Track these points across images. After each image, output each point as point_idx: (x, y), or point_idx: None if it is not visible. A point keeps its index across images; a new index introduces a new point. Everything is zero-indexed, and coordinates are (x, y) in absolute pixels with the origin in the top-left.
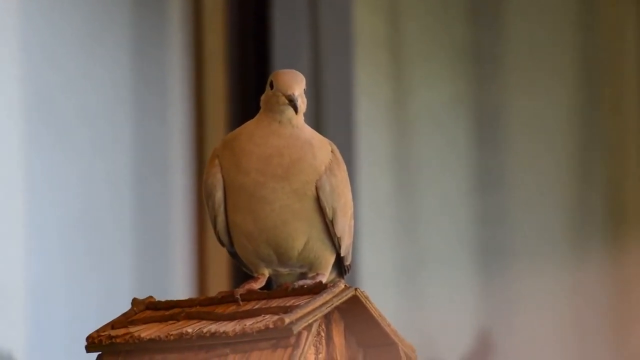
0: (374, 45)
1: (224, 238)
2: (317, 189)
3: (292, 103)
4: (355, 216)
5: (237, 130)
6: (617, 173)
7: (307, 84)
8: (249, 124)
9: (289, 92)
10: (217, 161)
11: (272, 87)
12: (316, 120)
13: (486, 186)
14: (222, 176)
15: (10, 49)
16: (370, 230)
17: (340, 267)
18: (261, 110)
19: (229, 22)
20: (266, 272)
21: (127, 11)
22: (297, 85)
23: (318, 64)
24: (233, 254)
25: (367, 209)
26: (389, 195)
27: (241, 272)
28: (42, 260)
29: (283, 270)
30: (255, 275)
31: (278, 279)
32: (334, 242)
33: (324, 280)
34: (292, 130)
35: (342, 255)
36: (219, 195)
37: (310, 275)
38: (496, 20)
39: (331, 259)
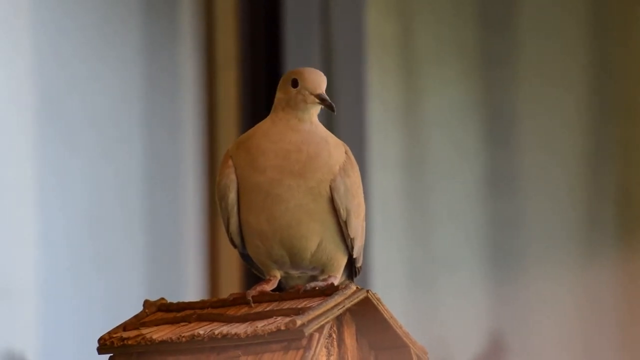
0: (385, 49)
1: (237, 239)
2: (331, 189)
3: (326, 102)
4: (367, 219)
5: (251, 130)
6: (628, 177)
7: None
8: (264, 123)
9: (319, 91)
10: (230, 162)
11: (294, 85)
12: (328, 123)
13: (497, 189)
14: (236, 176)
15: (21, 52)
16: (382, 233)
17: (351, 269)
18: (277, 109)
19: (241, 25)
20: (278, 274)
21: (138, 14)
22: (324, 84)
23: (330, 67)
24: (245, 256)
25: (378, 211)
26: (400, 198)
27: (252, 274)
28: (53, 262)
29: (295, 272)
30: (267, 277)
31: (289, 282)
32: (347, 244)
33: (336, 283)
34: (310, 127)
35: (354, 256)
36: (232, 196)
37: (321, 277)
38: (507, 24)
39: (343, 261)
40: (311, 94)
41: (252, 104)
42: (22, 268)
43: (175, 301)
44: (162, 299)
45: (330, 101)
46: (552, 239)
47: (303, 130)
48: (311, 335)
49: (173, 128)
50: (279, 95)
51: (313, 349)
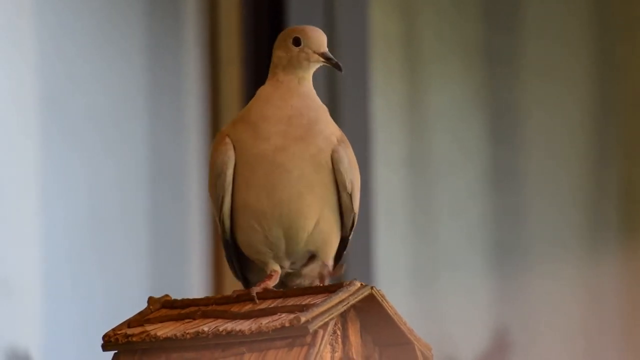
0: (389, 47)
1: (227, 222)
2: (333, 161)
3: (332, 61)
4: (371, 215)
5: (250, 102)
6: (632, 174)
7: (323, 84)
8: (264, 89)
9: (322, 50)
10: (227, 139)
11: (297, 43)
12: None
13: (501, 186)
14: (235, 153)
15: (24, 52)
16: (386, 230)
17: (338, 254)
18: (276, 70)
19: (244, 23)
20: (278, 268)
21: (141, 13)
22: (325, 42)
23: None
24: (227, 247)
25: (382, 208)
26: (404, 195)
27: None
28: (56, 259)
29: (286, 263)
30: (268, 272)
31: (288, 282)
32: (342, 223)
33: (330, 269)
34: (309, 90)
35: (349, 237)
36: (229, 172)
37: (315, 264)
38: (511, 22)
39: (336, 244)
40: (315, 52)
41: None
42: (25, 266)
43: (179, 298)
44: (167, 295)
45: (334, 59)
46: (556, 236)
47: (303, 93)
48: (315, 332)
49: (177, 127)
50: (278, 53)
51: (317, 345)
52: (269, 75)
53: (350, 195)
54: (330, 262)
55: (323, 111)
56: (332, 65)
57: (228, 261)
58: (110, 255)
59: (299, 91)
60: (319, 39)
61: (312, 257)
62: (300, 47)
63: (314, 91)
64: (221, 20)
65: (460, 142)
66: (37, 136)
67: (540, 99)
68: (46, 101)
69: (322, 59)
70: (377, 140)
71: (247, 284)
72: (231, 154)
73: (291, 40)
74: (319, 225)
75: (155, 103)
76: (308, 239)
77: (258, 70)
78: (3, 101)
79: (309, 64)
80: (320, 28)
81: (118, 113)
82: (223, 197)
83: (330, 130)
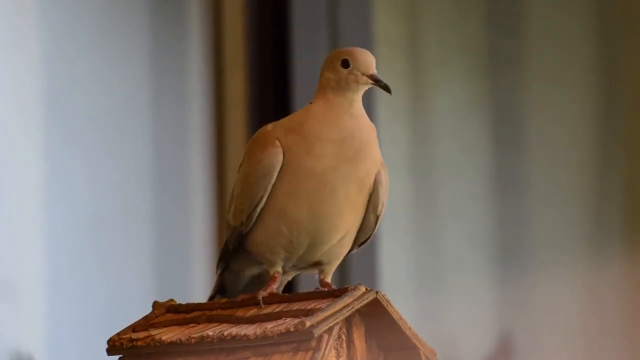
0: (393, 50)
1: (253, 220)
2: (375, 181)
3: (380, 83)
4: None
5: (299, 114)
6: (635, 178)
7: None
8: (316, 107)
9: (371, 72)
10: (277, 143)
11: (345, 65)
12: None
13: (504, 189)
14: (284, 159)
15: (26, 53)
16: (389, 234)
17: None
18: (325, 91)
19: (248, 26)
20: (281, 269)
21: (145, 15)
22: (374, 64)
23: None
24: (233, 244)
25: (385, 212)
26: (407, 198)
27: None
28: (58, 262)
29: (290, 264)
30: (271, 272)
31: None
32: (355, 241)
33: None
34: (360, 111)
35: (352, 252)
36: (275, 176)
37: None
38: (514, 25)
39: (339, 262)
40: (363, 74)
41: (259, 104)
42: (26, 267)
43: (184, 302)
44: (171, 300)
45: (383, 82)
46: (559, 240)
47: (355, 115)
48: (320, 337)
49: (180, 128)
50: (327, 75)
51: (322, 350)
52: (317, 95)
53: (377, 217)
54: (330, 278)
55: (372, 132)
56: (380, 87)
57: (223, 255)
58: (112, 257)
59: (350, 113)
60: (367, 60)
61: (314, 263)
62: (348, 69)
63: (364, 112)
64: (225, 22)
65: (463, 145)
66: (39, 137)
67: (543, 103)
68: (47, 101)
69: (370, 81)
70: (380, 143)
71: (223, 281)
72: (281, 159)
73: (339, 62)
74: (343, 240)
75: (158, 104)
76: (328, 250)
77: (262, 71)
78: (4, 101)
79: (358, 86)
80: (324, 31)
81: (120, 114)
82: (262, 197)
83: (376, 152)
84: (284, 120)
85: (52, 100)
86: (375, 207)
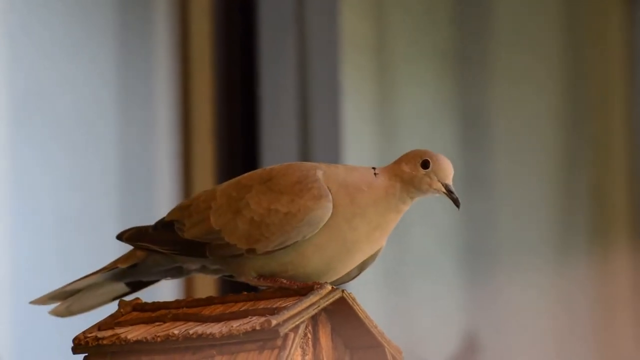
0: (359, 49)
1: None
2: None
3: (453, 195)
4: None
5: (358, 177)
6: (601, 179)
7: (293, 87)
8: (377, 184)
9: (447, 181)
10: (331, 197)
11: (425, 166)
12: (303, 123)
13: (471, 191)
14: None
15: None
16: None
17: None
18: (394, 177)
19: (215, 25)
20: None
21: (111, 15)
22: (452, 175)
23: (304, 67)
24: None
25: None
26: None
27: (228, 275)
28: (24, 263)
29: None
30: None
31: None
32: None
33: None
34: (404, 209)
35: None
36: (319, 227)
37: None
38: (481, 24)
39: None
40: (439, 181)
41: (226, 104)
42: None
43: (150, 301)
44: (137, 298)
45: (456, 195)
46: (526, 241)
47: (400, 212)
48: (286, 335)
49: (147, 130)
50: (404, 167)
51: (288, 348)
52: (386, 173)
53: (361, 269)
54: None
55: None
56: (451, 199)
57: (187, 249)
58: (77, 258)
59: (400, 209)
60: (447, 169)
61: None
62: (427, 170)
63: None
64: (192, 21)
65: (430, 146)
66: (2, 137)
67: (510, 104)
68: (13, 105)
69: (444, 190)
70: (347, 145)
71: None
72: (329, 215)
73: (420, 161)
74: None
75: (124, 104)
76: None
77: (229, 71)
78: None
79: (429, 189)
80: (291, 30)
81: (86, 114)
82: (296, 242)
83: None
84: (337, 171)
85: (16, 100)
86: (375, 257)
